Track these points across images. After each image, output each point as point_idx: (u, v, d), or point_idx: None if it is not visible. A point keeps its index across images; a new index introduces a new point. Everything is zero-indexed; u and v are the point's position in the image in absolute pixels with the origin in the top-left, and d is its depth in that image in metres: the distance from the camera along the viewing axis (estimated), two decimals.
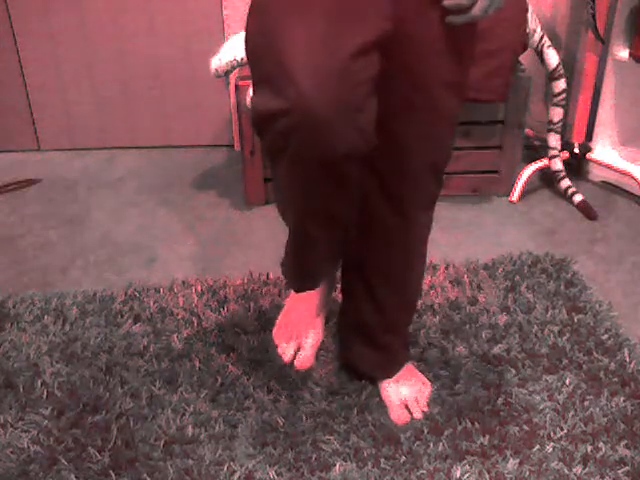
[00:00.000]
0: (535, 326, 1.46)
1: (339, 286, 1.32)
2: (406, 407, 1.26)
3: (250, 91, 1.76)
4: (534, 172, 2.02)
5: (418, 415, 1.25)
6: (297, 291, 1.24)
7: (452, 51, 0.97)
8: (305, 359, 1.24)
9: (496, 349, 1.40)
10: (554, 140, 1.96)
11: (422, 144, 1.04)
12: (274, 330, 1.28)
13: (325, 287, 1.28)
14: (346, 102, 0.83)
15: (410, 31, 0.93)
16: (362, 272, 1.21)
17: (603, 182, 2.06)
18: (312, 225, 1.02)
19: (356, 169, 0.95)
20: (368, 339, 1.28)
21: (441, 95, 1.00)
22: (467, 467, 1.16)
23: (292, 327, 1.26)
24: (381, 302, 1.22)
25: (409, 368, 1.32)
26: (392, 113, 1.00)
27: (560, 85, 1.91)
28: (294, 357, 1.24)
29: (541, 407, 1.27)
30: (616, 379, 1.33)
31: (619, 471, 1.15)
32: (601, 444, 1.19)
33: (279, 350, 1.26)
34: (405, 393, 1.27)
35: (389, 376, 1.29)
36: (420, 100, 1.00)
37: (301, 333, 1.26)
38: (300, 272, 1.18)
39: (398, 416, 1.25)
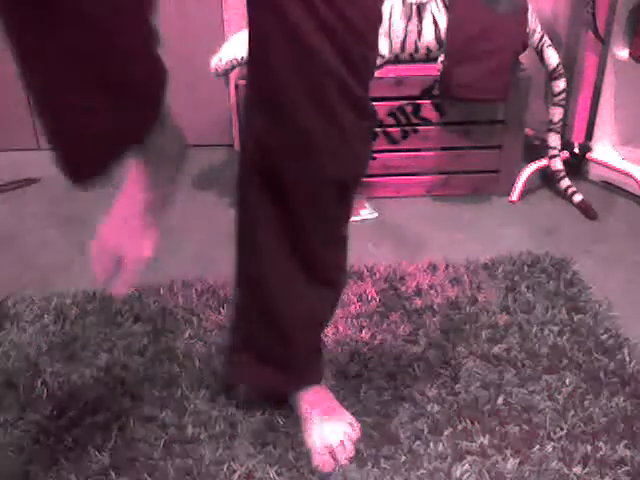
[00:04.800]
0: (535, 326, 1.46)
1: None
2: (331, 453, 1.16)
3: None
4: (534, 172, 2.02)
5: (344, 461, 1.16)
6: (74, 181, 0.97)
7: None
8: (124, 282, 1.04)
9: (496, 349, 1.40)
10: (554, 140, 1.96)
11: None
12: (92, 243, 1.07)
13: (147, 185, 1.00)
14: None
15: None
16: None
17: (603, 182, 2.06)
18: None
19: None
20: (261, 353, 1.18)
21: None
22: (467, 467, 1.16)
23: (111, 239, 1.05)
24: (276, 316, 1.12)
25: (333, 405, 1.23)
26: None
27: (560, 85, 1.91)
28: (112, 278, 1.05)
29: (541, 407, 1.27)
30: (616, 379, 1.33)
31: (619, 471, 1.15)
32: (601, 444, 1.19)
33: (96, 268, 1.06)
34: (330, 437, 1.17)
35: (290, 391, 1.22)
36: None
37: (120, 247, 1.03)
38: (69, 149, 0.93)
39: (322, 463, 1.15)
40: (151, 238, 1.02)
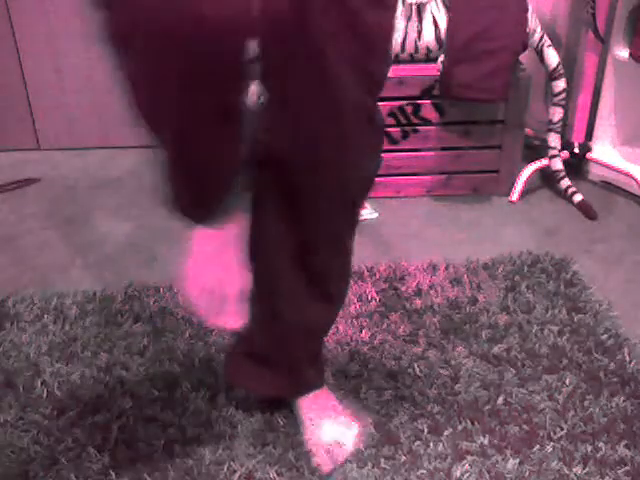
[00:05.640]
0: (535, 326, 1.46)
1: None
2: (330, 453, 1.17)
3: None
4: (534, 172, 2.02)
5: (343, 461, 1.17)
6: (197, 221, 0.98)
7: None
8: (235, 314, 1.00)
9: (496, 349, 1.40)
10: (554, 140, 1.96)
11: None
12: (185, 284, 1.01)
13: (233, 219, 1.01)
14: None
15: None
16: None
17: (603, 182, 2.06)
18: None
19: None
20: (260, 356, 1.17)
21: None
22: (467, 467, 1.16)
23: (206, 275, 1.00)
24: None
25: (333, 406, 1.23)
26: None
27: (560, 85, 1.91)
28: (220, 315, 1.01)
29: (541, 407, 1.27)
30: (616, 379, 1.33)
31: (619, 471, 1.15)
32: (601, 444, 1.19)
33: (198, 309, 1.01)
34: (330, 437, 1.18)
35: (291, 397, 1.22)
36: None
37: (219, 282, 0.99)
38: (189, 197, 0.95)
39: (323, 463, 1.16)
40: (242, 267, 1.02)
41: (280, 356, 1.17)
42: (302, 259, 1.05)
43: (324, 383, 1.25)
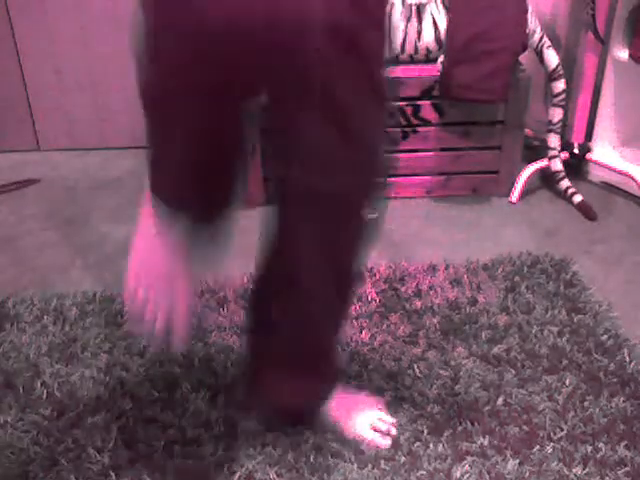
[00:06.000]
0: (535, 326, 1.46)
1: None
2: (379, 431, 1.20)
3: None
4: (534, 172, 2.02)
5: (392, 431, 1.21)
6: (168, 205, 0.94)
7: None
8: (182, 335, 0.94)
9: (496, 349, 1.40)
10: (554, 140, 1.96)
11: None
12: (126, 281, 0.95)
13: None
14: None
15: None
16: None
17: (603, 182, 2.06)
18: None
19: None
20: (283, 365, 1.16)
21: None
22: (467, 467, 1.16)
23: (151, 279, 0.93)
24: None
25: (352, 396, 1.25)
26: None
27: (559, 86, 1.91)
28: (162, 331, 0.94)
29: (541, 407, 1.27)
30: (616, 379, 1.33)
31: (619, 471, 1.15)
32: (601, 444, 1.19)
33: (132, 316, 0.95)
34: (369, 421, 1.20)
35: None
36: None
37: (164, 291, 0.92)
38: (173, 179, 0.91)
39: (377, 444, 1.19)
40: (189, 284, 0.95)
41: (309, 362, 1.17)
42: (333, 262, 1.06)
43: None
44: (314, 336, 1.15)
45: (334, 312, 1.16)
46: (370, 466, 1.16)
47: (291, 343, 1.14)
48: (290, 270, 1.07)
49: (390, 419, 1.23)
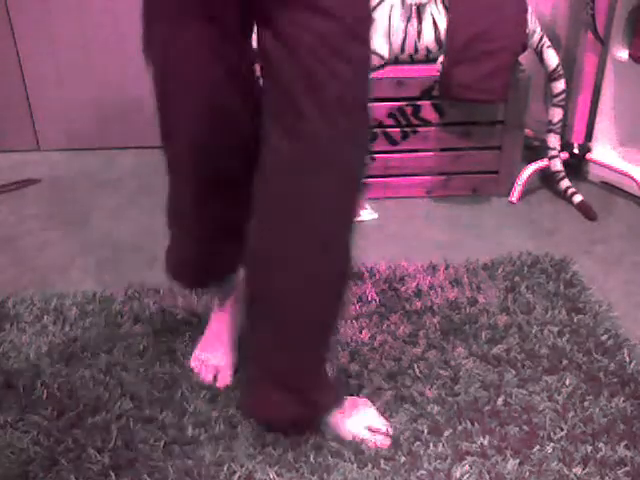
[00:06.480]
0: (535, 326, 1.46)
1: None
2: (378, 431, 1.20)
3: None
4: (534, 172, 2.02)
5: (390, 431, 1.21)
6: (186, 286, 1.37)
7: None
8: (224, 379, 1.33)
9: (496, 349, 1.40)
10: (554, 140, 1.96)
11: None
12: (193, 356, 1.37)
13: (233, 306, 1.35)
14: None
15: None
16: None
17: (602, 182, 2.06)
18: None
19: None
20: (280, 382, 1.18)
21: None
22: (467, 467, 1.16)
23: (208, 351, 1.35)
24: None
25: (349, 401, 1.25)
26: None
27: (559, 86, 1.91)
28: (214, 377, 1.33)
29: (541, 408, 1.27)
30: (616, 379, 1.33)
31: (619, 471, 1.15)
32: (601, 444, 1.19)
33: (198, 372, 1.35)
34: (364, 422, 1.21)
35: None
36: None
37: (217, 354, 1.34)
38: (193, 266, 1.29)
39: (379, 443, 1.19)
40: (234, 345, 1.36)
41: (309, 372, 1.18)
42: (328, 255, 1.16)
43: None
44: (296, 350, 1.14)
45: (319, 320, 1.14)
46: (370, 466, 1.16)
47: (272, 355, 1.15)
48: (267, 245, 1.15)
49: (383, 421, 1.22)
